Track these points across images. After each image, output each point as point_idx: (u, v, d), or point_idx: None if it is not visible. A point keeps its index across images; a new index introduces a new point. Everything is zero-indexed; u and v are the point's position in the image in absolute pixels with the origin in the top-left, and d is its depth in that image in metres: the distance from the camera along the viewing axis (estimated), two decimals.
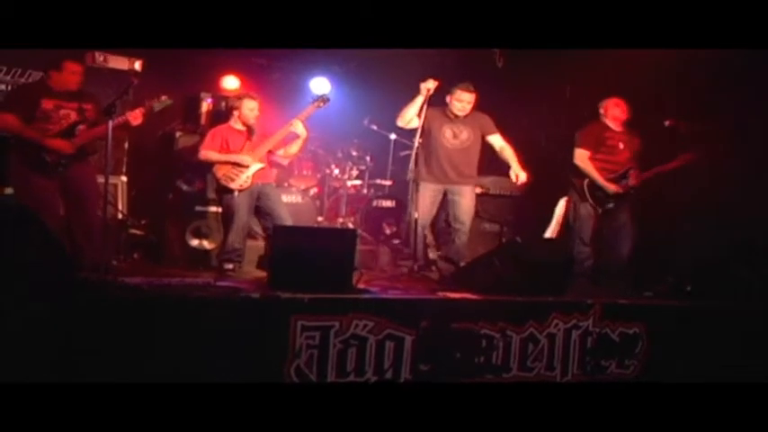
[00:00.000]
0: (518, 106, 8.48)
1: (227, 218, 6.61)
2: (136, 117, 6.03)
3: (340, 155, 8.74)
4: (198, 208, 7.43)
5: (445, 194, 6.83)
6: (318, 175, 8.73)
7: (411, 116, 6.70)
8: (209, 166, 6.69)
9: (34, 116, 5.89)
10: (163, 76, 7.55)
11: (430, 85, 6.58)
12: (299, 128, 6.67)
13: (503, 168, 7.64)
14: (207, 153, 6.66)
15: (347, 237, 5.67)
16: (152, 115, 6.18)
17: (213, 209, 7.36)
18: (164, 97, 6.13)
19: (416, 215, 6.67)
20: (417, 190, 6.63)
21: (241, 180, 6.57)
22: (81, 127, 6.02)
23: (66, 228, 5.84)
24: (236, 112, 6.74)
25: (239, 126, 6.78)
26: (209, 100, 8.05)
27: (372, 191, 8.73)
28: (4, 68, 7.39)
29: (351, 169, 8.67)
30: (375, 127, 8.23)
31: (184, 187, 7.58)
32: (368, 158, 8.71)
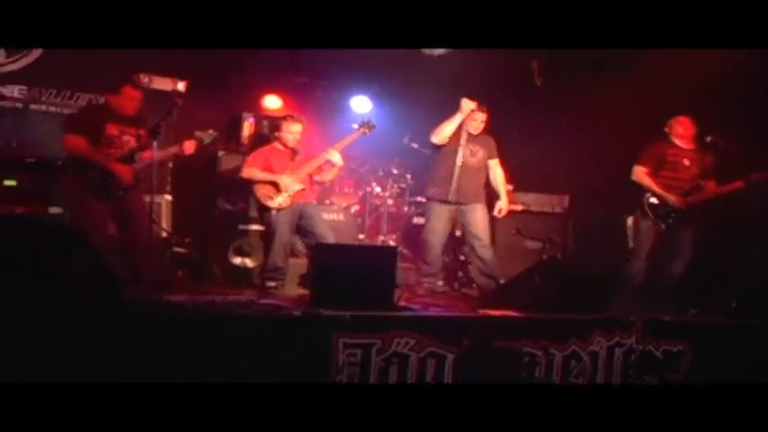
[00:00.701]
0: (558, 124, 8.48)
1: (269, 236, 6.63)
2: (189, 147, 6.14)
3: (381, 173, 8.74)
4: (240, 227, 7.46)
5: (458, 213, 6.86)
6: (360, 193, 8.74)
7: (448, 133, 6.72)
8: (250, 185, 6.72)
9: (99, 140, 5.92)
10: (206, 96, 7.67)
11: (473, 105, 6.63)
12: (335, 157, 6.69)
13: (544, 185, 7.70)
14: (250, 171, 6.69)
15: (388, 254, 5.66)
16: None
17: (255, 227, 7.38)
18: (210, 130, 6.21)
19: (459, 233, 6.91)
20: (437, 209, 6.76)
21: (280, 199, 6.60)
22: (139, 153, 6.08)
23: (119, 248, 5.89)
24: (278, 133, 6.77)
25: (281, 147, 6.80)
26: (252, 120, 8.10)
27: (413, 208, 8.69)
28: (54, 91, 7.56)
29: (391, 187, 8.67)
30: (416, 145, 8.17)
31: (227, 206, 7.65)
32: (408, 176, 8.68)
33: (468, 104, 6.62)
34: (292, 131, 6.71)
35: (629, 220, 7.03)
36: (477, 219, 6.80)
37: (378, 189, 8.68)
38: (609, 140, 7.79)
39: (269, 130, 7.08)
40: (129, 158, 6.03)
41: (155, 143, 5.68)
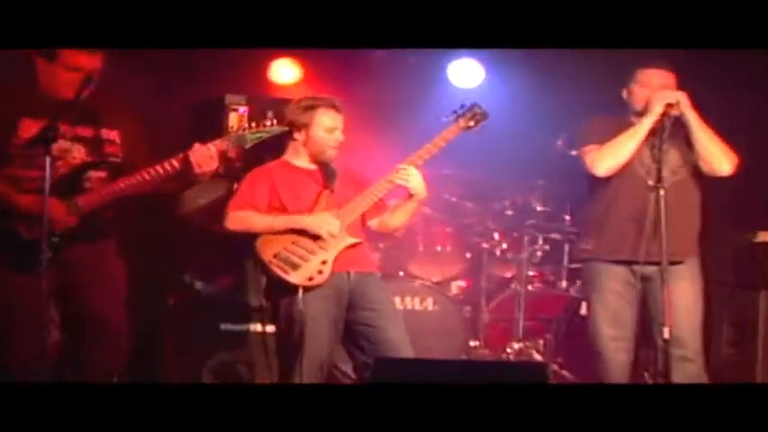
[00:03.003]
0: None
1: (289, 346, 6.41)
2: (206, 161, 6.08)
3: (510, 212, 8.77)
4: (225, 326, 7.57)
5: (641, 281, 6.74)
6: (467, 255, 8.78)
7: (628, 154, 6.68)
8: (248, 241, 6.49)
9: (8, 153, 5.97)
10: (154, 68, 8.00)
11: (672, 99, 6.59)
12: (412, 180, 6.56)
13: None
14: (243, 216, 6.53)
15: (530, 377, 5.57)
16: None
17: (256, 327, 7.50)
18: (269, 122, 6.30)
19: (668, 332, 6.42)
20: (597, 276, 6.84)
21: (311, 267, 6.33)
22: (96, 175, 6.07)
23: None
24: (298, 136, 6.61)
25: (304, 162, 6.69)
26: (243, 109, 7.88)
27: (577, 284, 8.63)
28: None
29: (532, 242, 8.70)
30: (576, 153, 7.35)
31: (197, 285, 7.86)
32: (567, 218, 8.70)
33: (663, 99, 6.55)
34: (328, 125, 6.56)
35: None
36: (681, 297, 6.63)
37: (504, 246, 8.72)
38: None
39: (286, 123, 6.67)
40: (70, 185, 5.98)
41: (47, 160, 5.56)
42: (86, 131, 6.07)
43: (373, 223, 6.75)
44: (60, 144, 5.90)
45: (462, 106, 6.77)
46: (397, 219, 6.75)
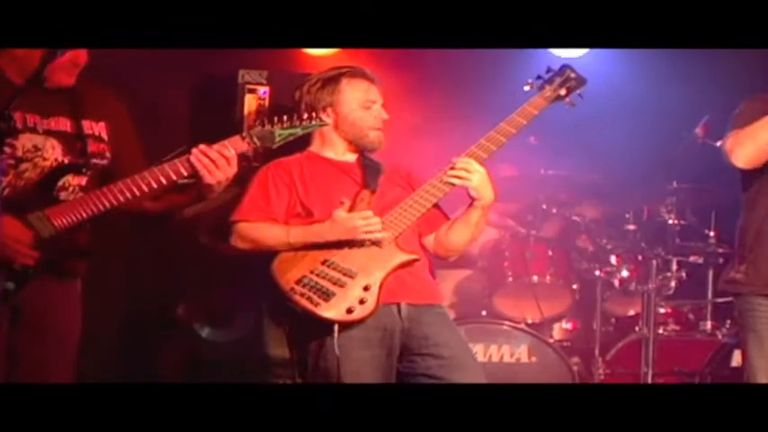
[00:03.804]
0: None
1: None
2: (218, 165, 5.77)
3: (632, 226, 8.59)
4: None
5: None
6: (574, 287, 8.57)
7: None
8: (267, 264, 6.12)
9: None
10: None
11: None
12: (473, 178, 6.15)
13: None
14: (252, 229, 6.23)
15: None
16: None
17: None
18: (306, 114, 6.04)
19: None
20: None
21: (350, 295, 5.95)
22: (75, 182, 5.85)
23: None
24: (325, 118, 6.26)
25: (338, 152, 6.46)
26: (264, 90, 7.82)
27: (729, 324, 8.49)
28: None
29: (664, 267, 8.56)
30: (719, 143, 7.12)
31: (204, 332, 7.89)
32: (710, 234, 8.52)
33: None
34: (360, 100, 6.38)
35: None
36: None
37: (624, 273, 8.54)
38: None
39: (299, 108, 6.40)
40: (40, 193, 5.76)
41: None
42: (63, 124, 5.83)
43: (428, 241, 6.36)
44: (30, 138, 5.72)
45: (549, 70, 6.46)
46: (457, 235, 6.29)
